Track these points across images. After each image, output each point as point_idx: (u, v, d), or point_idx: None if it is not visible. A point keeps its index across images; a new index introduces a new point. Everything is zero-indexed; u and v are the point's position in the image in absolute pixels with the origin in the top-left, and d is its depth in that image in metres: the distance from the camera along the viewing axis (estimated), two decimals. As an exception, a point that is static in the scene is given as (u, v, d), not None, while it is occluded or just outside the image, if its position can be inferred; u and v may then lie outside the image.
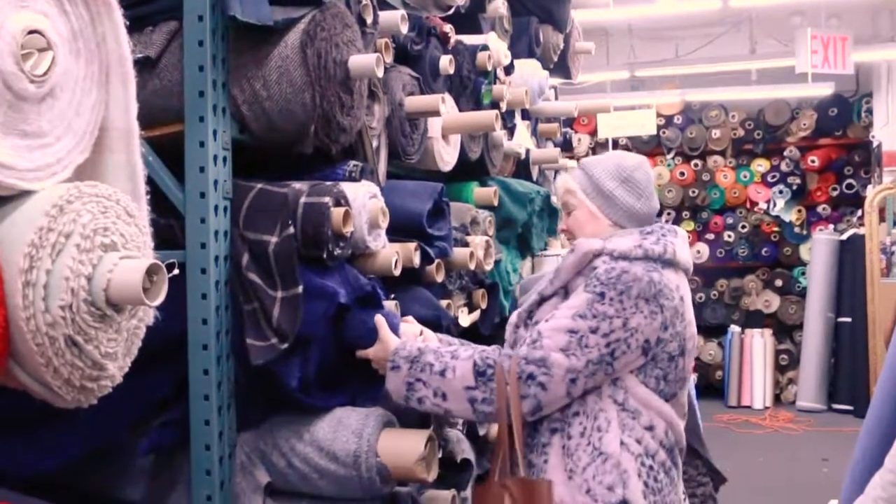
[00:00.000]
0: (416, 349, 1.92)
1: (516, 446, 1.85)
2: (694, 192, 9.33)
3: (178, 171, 1.84)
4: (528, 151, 3.57)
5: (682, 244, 2.03)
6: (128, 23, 1.36)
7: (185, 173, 1.84)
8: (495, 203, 3.03)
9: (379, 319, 1.95)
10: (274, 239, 1.83)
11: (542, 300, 1.99)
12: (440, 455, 1.98)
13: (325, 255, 1.88)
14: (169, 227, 1.90)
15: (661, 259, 1.95)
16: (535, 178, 3.77)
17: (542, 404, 1.85)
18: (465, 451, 2.26)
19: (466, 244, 2.64)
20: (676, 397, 1.97)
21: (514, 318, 2.05)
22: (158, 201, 1.82)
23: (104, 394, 1.25)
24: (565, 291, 1.97)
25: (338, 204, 1.91)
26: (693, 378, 4.83)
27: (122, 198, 1.24)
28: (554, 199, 3.66)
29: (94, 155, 1.27)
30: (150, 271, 1.16)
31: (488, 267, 2.75)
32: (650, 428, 1.89)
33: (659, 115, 8.95)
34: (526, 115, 3.78)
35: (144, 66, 1.85)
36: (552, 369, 1.83)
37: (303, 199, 1.87)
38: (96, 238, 1.17)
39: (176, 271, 1.22)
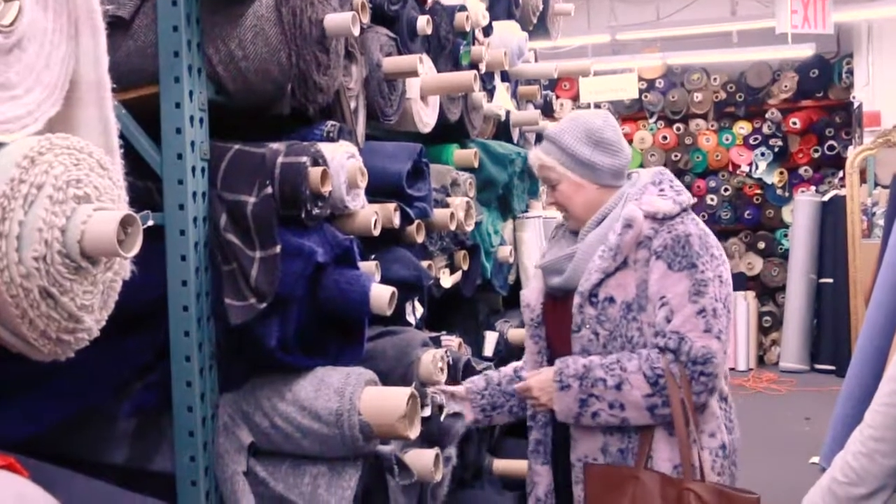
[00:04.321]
0: (582, 366, 2.08)
1: (694, 450, 2.04)
2: (676, 155, 9.35)
3: (155, 133, 1.83)
4: (508, 113, 3.56)
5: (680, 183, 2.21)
6: (98, -23, 1.35)
7: (162, 135, 1.83)
8: (476, 164, 3.02)
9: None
10: (252, 199, 1.83)
11: (606, 276, 2.09)
12: (424, 413, 1.99)
13: (303, 215, 1.87)
14: (147, 189, 1.89)
15: (687, 206, 2.12)
16: (515, 141, 3.76)
17: (714, 389, 2.06)
18: (452, 406, 2.28)
19: (447, 205, 2.64)
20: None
21: (576, 298, 2.13)
22: (135, 164, 1.80)
23: (80, 346, 1.25)
24: (625, 262, 2.09)
25: (315, 163, 1.90)
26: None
27: (95, 151, 1.23)
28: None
29: (66, 109, 1.26)
30: (125, 222, 1.16)
31: (469, 228, 2.75)
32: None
33: (641, 78, 8.93)
34: (505, 77, 3.77)
35: (117, 27, 1.82)
36: (717, 356, 2.01)
37: (280, 159, 1.86)
38: (69, 190, 1.16)
39: (150, 222, 1.21)
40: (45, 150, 1.14)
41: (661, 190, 2.12)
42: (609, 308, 2.08)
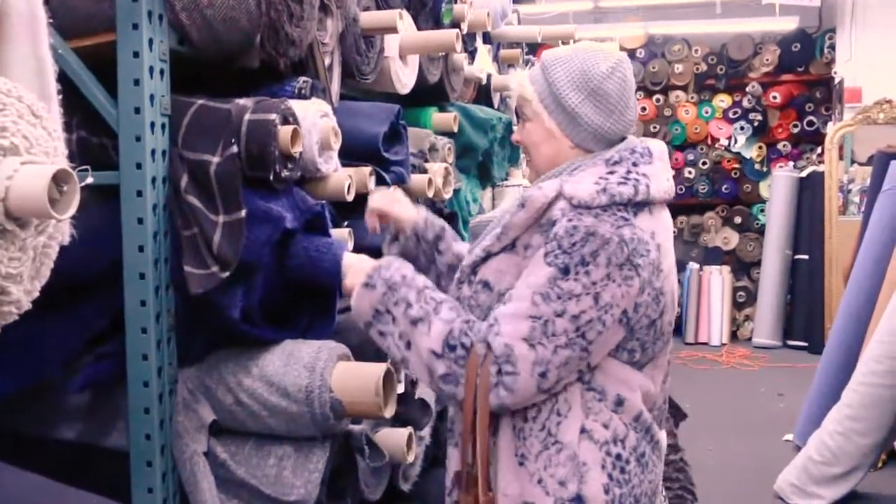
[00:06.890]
0: (401, 276, 1.69)
1: (477, 452, 1.60)
2: (655, 127, 9.28)
3: (111, 85, 1.71)
4: (489, 77, 3.47)
5: (658, 171, 1.69)
6: None
7: (119, 87, 1.71)
8: (455, 129, 2.95)
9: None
10: (216, 159, 1.72)
11: (488, 256, 1.70)
12: (399, 391, 1.90)
13: (271, 177, 1.77)
14: (101, 146, 1.77)
15: (631, 203, 1.63)
16: (496, 106, 3.66)
17: (507, 405, 1.59)
18: (423, 390, 2.18)
19: (425, 171, 2.56)
20: (654, 360, 1.71)
21: (457, 272, 1.78)
22: (90, 118, 1.71)
23: (9, 321, 1.12)
24: (513, 245, 1.68)
25: (286, 122, 1.80)
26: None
27: (26, 95, 1.09)
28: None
29: (-9, 46, 1.12)
30: (59, 179, 1.02)
31: (447, 195, 2.67)
32: (619, 404, 1.64)
33: (622, 48, 8.81)
34: (487, 39, 3.69)
35: (70, -32, 1.69)
36: (518, 364, 1.56)
37: (247, 116, 1.76)
38: (-8, 140, 1.03)
39: (90, 180, 1.07)
40: (-36, 93, 1.01)
41: (611, 172, 1.65)
42: (481, 294, 1.69)
